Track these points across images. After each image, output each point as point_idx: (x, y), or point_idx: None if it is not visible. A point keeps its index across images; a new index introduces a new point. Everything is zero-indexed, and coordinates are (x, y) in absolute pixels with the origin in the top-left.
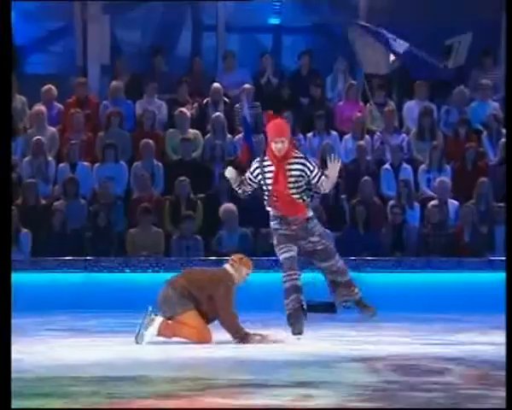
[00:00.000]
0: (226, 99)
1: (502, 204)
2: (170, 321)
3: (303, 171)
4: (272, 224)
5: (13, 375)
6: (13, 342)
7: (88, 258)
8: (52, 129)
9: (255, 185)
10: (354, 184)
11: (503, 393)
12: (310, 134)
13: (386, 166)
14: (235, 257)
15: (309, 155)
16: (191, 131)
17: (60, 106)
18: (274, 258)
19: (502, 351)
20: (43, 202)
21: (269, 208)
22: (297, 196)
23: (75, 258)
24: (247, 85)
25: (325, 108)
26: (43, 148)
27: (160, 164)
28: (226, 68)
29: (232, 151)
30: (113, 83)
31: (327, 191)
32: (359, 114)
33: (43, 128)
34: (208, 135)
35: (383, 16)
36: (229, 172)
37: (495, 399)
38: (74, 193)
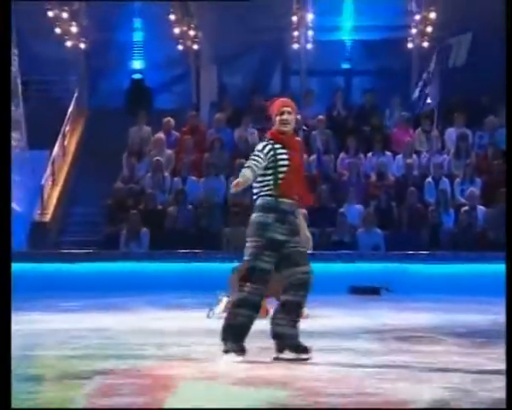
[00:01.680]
0: (305, 127)
1: None
2: None
3: None
4: (263, 217)
5: (100, 341)
6: (115, 314)
7: (191, 250)
8: (169, 151)
9: (260, 171)
10: (403, 193)
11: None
12: (369, 154)
13: (429, 179)
14: None
15: (368, 170)
16: None
17: (176, 134)
18: (334, 252)
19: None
20: (160, 207)
21: (269, 197)
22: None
23: (183, 251)
24: (320, 116)
25: (382, 134)
26: (161, 166)
27: None
28: (306, 103)
29: (307, 170)
30: (217, 115)
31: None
32: (409, 139)
33: (163, 151)
34: None
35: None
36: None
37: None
38: (183, 201)
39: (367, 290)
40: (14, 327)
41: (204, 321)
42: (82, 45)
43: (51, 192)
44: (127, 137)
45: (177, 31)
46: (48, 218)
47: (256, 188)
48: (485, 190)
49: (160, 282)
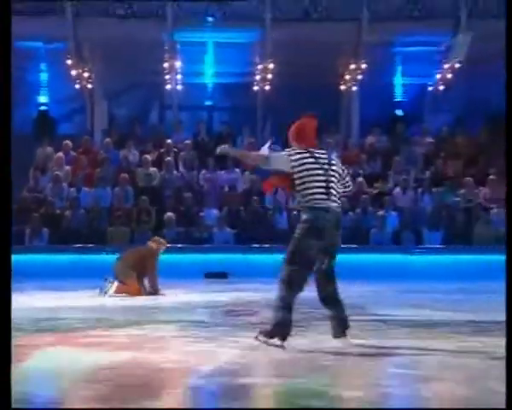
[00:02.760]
0: (175, 149)
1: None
2: (121, 284)
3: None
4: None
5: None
6: (15, 296)
7: (84, 245)
8: (67, 167)
9: (284, 168)
10: (248, 201)
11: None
12: (223, 171)
13: None
14: (156, 238)
15: (223, 183)
16: (152, 168)
17: (73, 153)
18: (195, 246)
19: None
20: (58, 211)
21: (307, 203)
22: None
23: (76, 245)
24: (188, 141)
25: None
26: (60, 179)
27: (131, 189)
28: (177, 130)
29: (176, 182)
30: (106, 139)
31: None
32: None
33: (62, 167)
34: (162, 172)
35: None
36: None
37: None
38: (77, 206)
39: (217, 275)
40: None
41: (87, 300)
42: None
43: None
44: (34, 156)
45: (74, 73)
46: None
47: None
48: None
49: (56, 271)
